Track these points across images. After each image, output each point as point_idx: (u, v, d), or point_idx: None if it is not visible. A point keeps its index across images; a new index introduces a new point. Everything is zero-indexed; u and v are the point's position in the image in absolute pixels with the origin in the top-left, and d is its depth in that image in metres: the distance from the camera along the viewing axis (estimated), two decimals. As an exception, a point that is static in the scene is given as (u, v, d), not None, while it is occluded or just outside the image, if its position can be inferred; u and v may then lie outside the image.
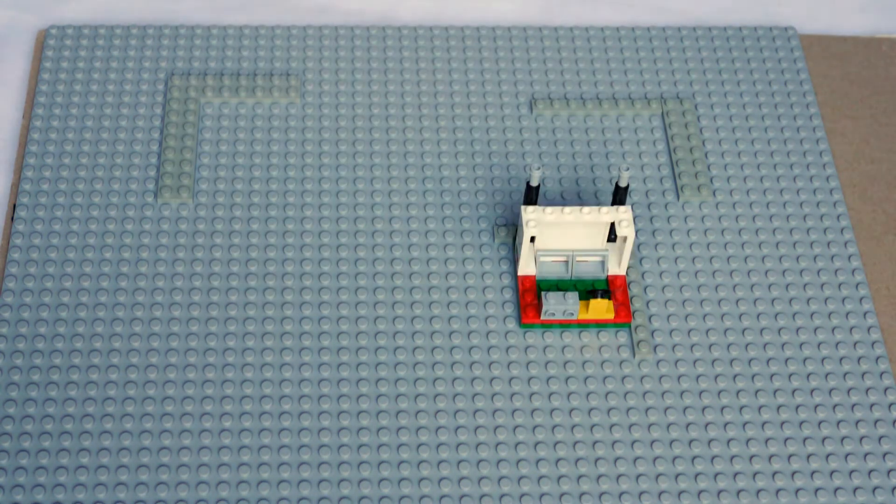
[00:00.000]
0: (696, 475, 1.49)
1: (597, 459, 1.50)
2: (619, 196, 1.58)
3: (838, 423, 1.54)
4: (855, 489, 1.49)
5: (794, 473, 1.50)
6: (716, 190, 1.73)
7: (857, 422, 1.54)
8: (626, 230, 1.54)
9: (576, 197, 1.71)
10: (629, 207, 1.56)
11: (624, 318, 1.57)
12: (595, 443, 1.51)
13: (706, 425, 1.53)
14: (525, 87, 1.82)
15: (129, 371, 1.53)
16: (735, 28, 1.91)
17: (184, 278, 1.61)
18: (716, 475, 1.49)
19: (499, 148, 1.76)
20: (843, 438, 1.52)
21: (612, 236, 1.60)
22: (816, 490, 1.48)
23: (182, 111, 1.77)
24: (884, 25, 1.96)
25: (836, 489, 1.49)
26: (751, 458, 1.51)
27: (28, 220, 1.66)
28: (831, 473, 1.50)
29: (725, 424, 1.53)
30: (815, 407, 1.55)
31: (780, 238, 1.69)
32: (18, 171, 1.71)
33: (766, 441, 1.52)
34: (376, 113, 1.79)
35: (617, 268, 1.60)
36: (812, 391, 1.56)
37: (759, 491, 1.48)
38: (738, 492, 1.48)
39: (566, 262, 1.60)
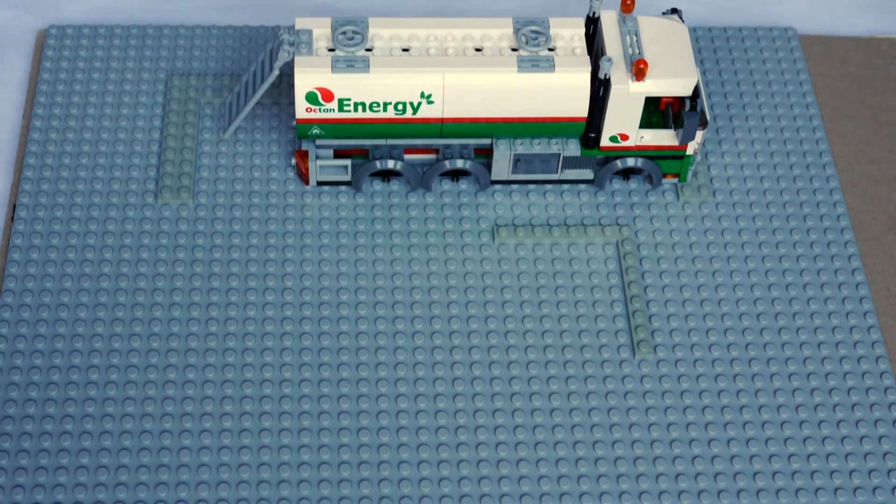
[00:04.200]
0: (696, 475, 1.49)
1: (597, 459, 1.50)
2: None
3: (838, 423, 1.54)
4: (855, 489, 1.49)
5: (794, 473, 1.50)
6: (716, 190, 1.73)
7: (857, 422, 1.54)
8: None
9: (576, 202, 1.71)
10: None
11: None
12: (595, 443, 1.51)
13: (706, 425, 1.53)
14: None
15: (129, 371, 1.53)
16: (735, 28, 1.91)
17: (184, 278, 1.61)
18: (716, 475, 1.49)
19: (499, 148, 1.75)
20: (843, 438, 1.52)
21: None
22: (816, 490, 1.48)
23: (182, 111, 1.76)
24: (884, 26, 1.96)
25: (836, 489, 1.49)
26: (751, 458, 1.51)
27: (28, 220, 1.66)
28: (831, 473, 1.50)
29: (725, 424, 1.53)
30: (815, 407, 1.55)
31: (780, 238, 1.69)
32: (18, 171, 1.71)
33: (766, 441, 1.52)
34: (376, 113, 1.79)
35: None
36: (812, 391, 1.56)
37: (759, 491, 1.48)
38: (738, 492, 1.48)
39: None
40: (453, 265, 1.64)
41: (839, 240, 1.69)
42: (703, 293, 1.64)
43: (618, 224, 1.69)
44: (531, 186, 1.72)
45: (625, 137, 1.64)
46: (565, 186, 1.72)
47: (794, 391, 1.56)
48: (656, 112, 1.66)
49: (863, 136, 1.81)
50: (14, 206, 1.67)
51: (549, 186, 1.72)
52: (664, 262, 1.66)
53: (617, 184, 1.73)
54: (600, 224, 1.69)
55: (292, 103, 1.78)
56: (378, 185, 1.71)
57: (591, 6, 1.64)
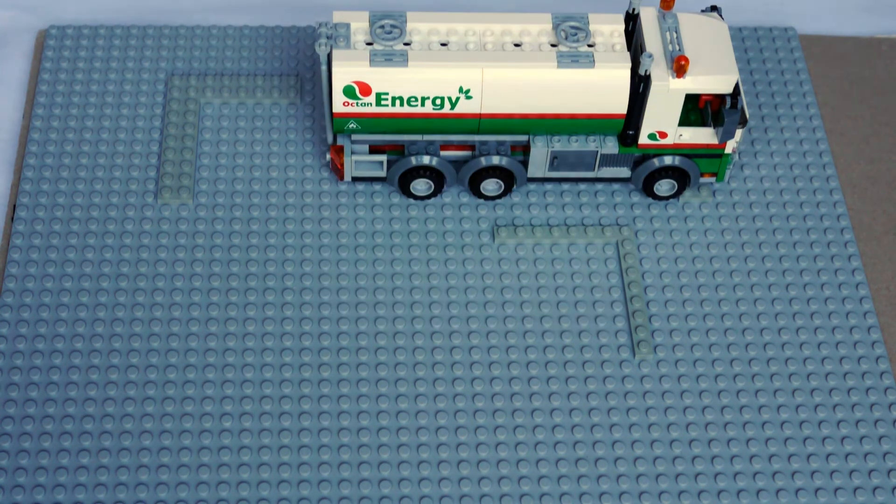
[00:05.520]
0: (696, 475, 1.49)
1: (597, 459, 1.50)
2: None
3: (838, 423, 1.54)
4: (855, 489, 1.49)
5: (794, 473, 1.50)
6: (716, 190, 1.73)
7: (857, 422, 1.54)
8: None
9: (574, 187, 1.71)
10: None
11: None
12: (595, 443, 1.51)
13: (706, 425, 1.53)
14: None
15: (129, 371, 1.53)
16: (735, 28, 1.91)
17: (184, 278, 1.61)
18: (716, 475, 1.49)
19: (499, 148, 1.75)
20: (843, 438, 1.52)
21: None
22: (816, 490, 1.48)
23: (182, 111, 1.76)
24: (884, 26, 1.96)
25: (836, 489, 1.49)
26: (751, 458, 1.51)
27: (28, 220, 1.66)
28: (831, 473, 1.50)
29: (725, 424, 1.53)
30: (815, 407, 1.55)
31: (780, 238, 1.69)
32: (18, 171, 1.71)
33: (766, 441, 1.52)
34: (376, 113, 1.78)
35: None
36: (812, 391, 1.56)
37: (759, 491, 1.48)
38: (738, 492, 1.48)
39: None
40: (453, 265, 1.64)
41: (839, 240, 1.69)
42: (703, 293, 1.64)
43: (618, 224, 1.69)
44: (531, 186, 1.71)
45: (663, 135, 1.63)
46: (565, 186, 1.72)
47: (794, 391, 1.56)
48: (694, 110, 1.65)
49: (863, 136, 1.81)
50: (14, 206, 1.67)
51: (548, 186, 1.72)
52: (664, 262, 1.66)
53: (617, 184, 1.73)
54: (600, 224, 1.69)
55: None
56: (378, 185, 1.71)
57: (630, 2, 1.63)
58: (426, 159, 1.64)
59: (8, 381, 1.52)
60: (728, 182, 1.74)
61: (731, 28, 1.90)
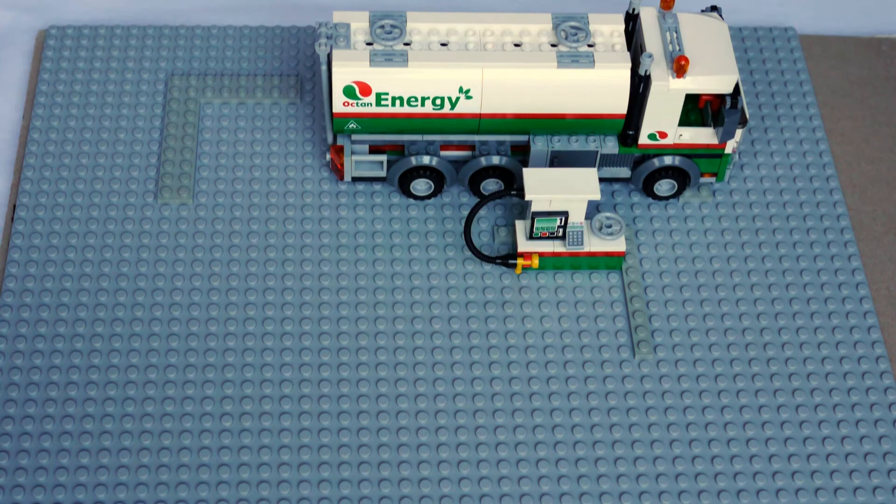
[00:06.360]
0: (696, 475, 1.49)
1: (597, 459, 1.50)
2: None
3: (838, 423, 1.54)
4: (855, 489, 1.49)
5: (794, 473, 1.50)
6: (716, 190, 1.73)
7: (857, 422, 1.54)
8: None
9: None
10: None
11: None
12: (595, 443, 1.51)
13: (706, 425, 1.53)
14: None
15: (129, 371, 1.53)
16: (735, 28, 1.91)
17: (184, 278, 1.61)
18: (716, 475, 1.49)
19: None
20: (843, 438, 1.52)
21: None
22: (816, 490, 1.48)
23: (182, 111, 1.76)
24: (884, 26, 1.96)
25: (836, 489, 1.49)
26: (751, 458, 1.51)
27: (28, 220, 1.66)
28: (831, 473, 1.50)
29: (725, 424, 1.53)
30: (815, 407, 1.55)
31: (780, 238, 1.69)
32: (18, 171, 1.71)
33: (766, 441, 1.52)
34: (376, 113, 1.78)
35: None
36: (812, 391, 1.56)
37: (759, 491, 1.48)
38: (738, 492, 1.48)
39: None
40: (453, 265, 1.64)
41: (839, 240, 1.69)
42: (703, 293, 1.63)
43: (618, 224, 1.69)
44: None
45: (663, 135, 1.63)
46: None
47: (794, 391, 1.56)
48: (694, 110, 1.65)
49: (863, 136, 1.81)
50: (14, 206, 1.67)
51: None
52: (664, 263, 1.66)
53: (617, 184, 1.73)
54: (600, 224, 1.69)
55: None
56: (378, 185, 1.71)
57: (630, 2, 1.63)
58: (426, 159, 1.64)
59: (8, 381, 1.52)
60: (728, 182, 1.74)
61: (731, 28, 1.90)
